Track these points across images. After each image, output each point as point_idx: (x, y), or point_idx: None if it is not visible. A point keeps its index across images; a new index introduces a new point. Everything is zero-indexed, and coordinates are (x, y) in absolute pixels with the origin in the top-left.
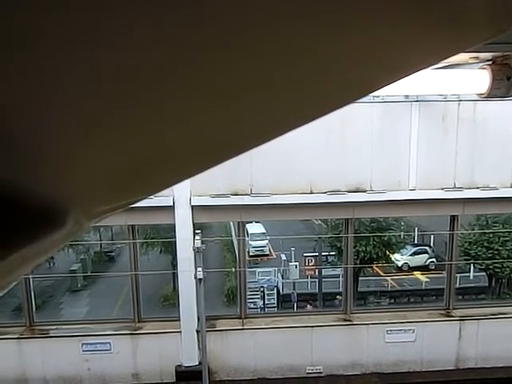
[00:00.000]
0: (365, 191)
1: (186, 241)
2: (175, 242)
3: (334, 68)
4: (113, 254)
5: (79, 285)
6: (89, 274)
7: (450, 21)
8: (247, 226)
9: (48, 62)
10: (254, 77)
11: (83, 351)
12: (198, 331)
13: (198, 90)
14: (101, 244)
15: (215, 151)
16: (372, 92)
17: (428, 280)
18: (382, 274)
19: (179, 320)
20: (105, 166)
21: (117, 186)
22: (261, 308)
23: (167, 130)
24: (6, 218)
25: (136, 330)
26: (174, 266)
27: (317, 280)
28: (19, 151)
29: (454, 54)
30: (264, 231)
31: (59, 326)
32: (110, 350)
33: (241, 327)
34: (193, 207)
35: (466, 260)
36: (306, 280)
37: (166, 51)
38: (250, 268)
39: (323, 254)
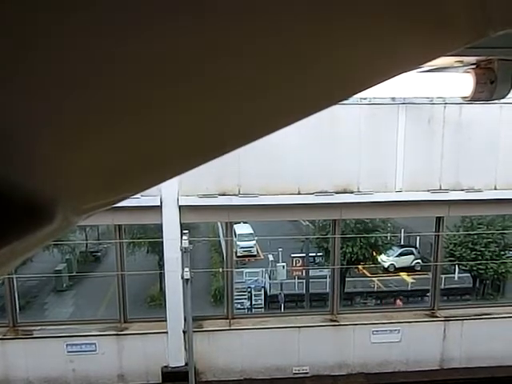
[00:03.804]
0: (352, 192)
1: (173, 241)
2: (162, 242)
3: (321, 68)
4: (99, 253)
5: (64, 285)
6: (74, 274)
7: (432, 25)
8: (235, 226)
9: (41, 63)
10: (240, 76)
11: (68, 352)
12: (184, 332)
13: (185, 89)
14: (87, 244)
15: (203, 149)
16: (357, 93)
17: (414, 281)
18: (368, 274)
19: (166, 320)
20: (93, 163)
21: (105, 183)
22: (248, 308)
23: (155, 129)
24: None
25: (122, 331)
26: (161, 266)
27: (304, 281)
28: (9, 148)
29: (436, 57)
30: (252, 232)
31: (43, 327)
32: (96, 350)
33: (228, 328)
34: (180, 207)
35: (450, 261)
36: (293, 281)
37: (153, 52)
38: (238, 268)
39: (310, 254)
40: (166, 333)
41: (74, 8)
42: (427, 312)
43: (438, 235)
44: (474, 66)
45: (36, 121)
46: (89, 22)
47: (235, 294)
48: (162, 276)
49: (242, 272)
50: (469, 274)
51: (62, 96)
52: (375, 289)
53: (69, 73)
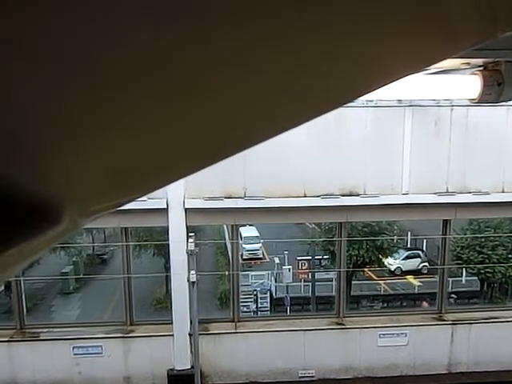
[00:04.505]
0: (358, 195)
1: (179, 244)
2: (168, 244)
3: (327, 70)
4: (105, 256)
5: (71, 287)
6: (81, 276)
7: (439, 26)
8: (241, 229)
9: (50, 66)
10: (246, 79)
11: (74, 354)
12: (190, 334)
13: (191, 92)
14: (93, 246)
15: (208, 152)
16: (364, 94)
17: (420, 284)
18: (374, 277)
19: (172, 323)
20: (99, 166)
21: (112, 185)
22: (254, 311)
23: (161, 131)
24: (3, 215)
25: (128, 333)
26: (167, 268)
27: (310, 284)
28: (17, 151)
29: (443, 59)
30: (257, 234)
31: (50, 329)
32: (102, 353)
33: (234, 331)
34: (186, 210)
35: (458, 264)
36: (299, 284)
37: (161, 55)
38: (244, 271)
39: (316, 257)
40: (172, 335)
41: (74, 9)
42: (434, 315)
43: (445, 238)
44: (481, 68)
45: (43, 124)
46: (95, 26)
47: (241, 296)
48: (168, 279)
49: (248, 275)
50: (476, 278)
51: (69, 99)
52: (382, 292)
53: (76, 76)
